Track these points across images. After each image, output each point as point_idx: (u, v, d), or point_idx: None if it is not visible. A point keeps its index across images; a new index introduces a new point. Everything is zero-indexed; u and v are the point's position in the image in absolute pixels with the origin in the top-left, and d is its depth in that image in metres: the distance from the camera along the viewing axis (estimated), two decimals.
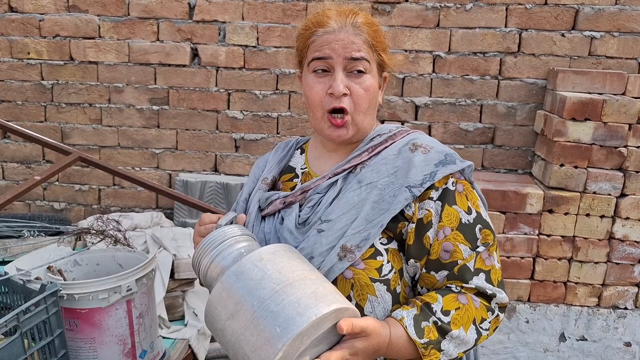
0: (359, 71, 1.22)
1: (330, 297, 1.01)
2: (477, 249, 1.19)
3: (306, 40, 1.27)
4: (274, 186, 1.40)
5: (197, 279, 2.63)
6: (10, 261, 2.07)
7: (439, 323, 1.13)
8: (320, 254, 1.17)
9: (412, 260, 1.20)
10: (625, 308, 2.93)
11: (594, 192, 2.81)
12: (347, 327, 1.00)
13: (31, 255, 2.10)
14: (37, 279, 1.80)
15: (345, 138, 1.26)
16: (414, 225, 1.18)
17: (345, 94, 1.22)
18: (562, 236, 2.87)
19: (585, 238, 2.86)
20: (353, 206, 1.20)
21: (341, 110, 1.23)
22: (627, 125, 2.74)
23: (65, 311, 1.66)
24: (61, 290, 1.59)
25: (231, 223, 1.22)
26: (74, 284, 1.66)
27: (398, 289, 1.20)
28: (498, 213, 2.85)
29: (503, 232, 2.87)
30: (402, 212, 1.19)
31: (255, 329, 0.97)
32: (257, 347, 0.96)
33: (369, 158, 1.26)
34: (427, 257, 1.19)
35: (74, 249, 2.25)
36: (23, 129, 2.61)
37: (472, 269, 1.18)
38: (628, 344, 2.97)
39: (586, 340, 2.97)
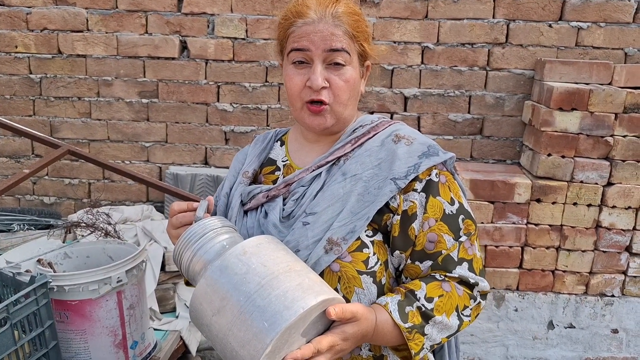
0: (338, 63, 1.21)
1: (317, 288, 1.01)
2: (459, 239, 1.21)
3: (286, 30, 1.25)
4: (255, 179, 1.38)
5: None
6: (0, 254, 2.07)
7: (423, 309, 1.14)
8: (306, 247, 1.17)
9: (397, 252, 1.21)
10: (613, 295, 2.97)
11: (581, 181, 2.84)
12: (338, 314, 1.01)
13: (21, 248, 2.10)
14: (27, 271, 1.81)
15: (325, 126, 1.25)
16: (399, 217, 1.19)
17: (324, 87, 1.21)
18: (550, 225, 2.90)
19: (572, 227, 2.89)
20: (338, 199, 1.20)
21: (320, 102, 1.22)
22: (614, 115, 2.77)
23: (55, 303, 1.67)
24: (51, 282, 1.60)
25: (208, 212, 1.22)
26: (63, 275, 1.67)
27: (383, 281, 1.21)
28: (487, 203, 2.88)
29: (492, 222, 2.90)
30: (387, 204, 1.19)
31: (242, 324, 0.97)
32: (246, 342, 0.96)
33: (352, 150, 1.26)
34: (412, 248, 1.20)
35: (63, 242, 2.25)
36: (11, 122, 2.60)
37: (456, 259, 1.20)
38: (615, 331, 3.01)
39: (574, 327, 3.01)
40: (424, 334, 1.14)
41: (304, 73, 1.22)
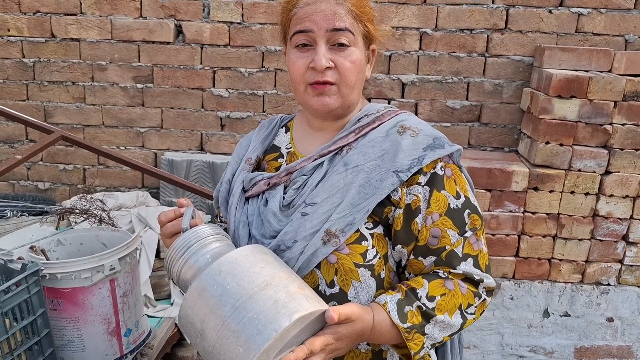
0: (342, 44, 1.17)
1: (293, 304, 0.98)
2: (465, 234, 1.18)
3: (288, 13, 1.22)
4: (258, 166, 1.36)
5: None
6: None
7: (424, 308, 1.12)
8: (304, 238, 1.15)
9: (398, 246, 1.18)
10: (608, 284, 2.97)
11: (579, 170, 2.82)
12: (332, 317, 1.00)
13: (13, 235, 2.09)
14: (19, 258, 1.79)
15: (330, 108, 1.21)
16: (401, 211, 1.16)
17: (329, 67, 1.17)
18: (547, 213, 2.89)
19: (569, 215, 2.88)
20: (338, 190, 1.17)
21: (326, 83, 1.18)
22: (613, 103, 2.75)
23: (48, 291, 1.65)
24: (43, 269, 1.58)
25: (192, 218, 1.20)
26: (56, 263, 1.65)
27: (382, 274, 1.19)
28: (484, 191, 2.86)
29: (489, 210, 2.89)
30: (388, 197, 1.16)
31: (221, 348, 0.98)
32: None
33: (356, 139, 1.23)
34: (415, 243, 1.17)
35: (57, 229, 2.23)
36: (5, 107, 2.57)
37: (460, 255, 1.17)
38: (610, 320, 3.01)
39: (569, 316, 3.01)
40: (424, 334, 1.12)
41: (307, 56, 1.18)
